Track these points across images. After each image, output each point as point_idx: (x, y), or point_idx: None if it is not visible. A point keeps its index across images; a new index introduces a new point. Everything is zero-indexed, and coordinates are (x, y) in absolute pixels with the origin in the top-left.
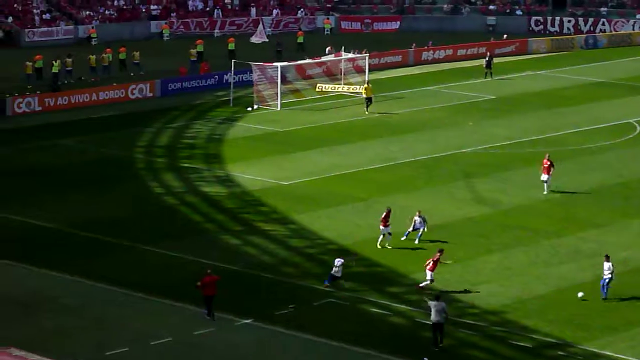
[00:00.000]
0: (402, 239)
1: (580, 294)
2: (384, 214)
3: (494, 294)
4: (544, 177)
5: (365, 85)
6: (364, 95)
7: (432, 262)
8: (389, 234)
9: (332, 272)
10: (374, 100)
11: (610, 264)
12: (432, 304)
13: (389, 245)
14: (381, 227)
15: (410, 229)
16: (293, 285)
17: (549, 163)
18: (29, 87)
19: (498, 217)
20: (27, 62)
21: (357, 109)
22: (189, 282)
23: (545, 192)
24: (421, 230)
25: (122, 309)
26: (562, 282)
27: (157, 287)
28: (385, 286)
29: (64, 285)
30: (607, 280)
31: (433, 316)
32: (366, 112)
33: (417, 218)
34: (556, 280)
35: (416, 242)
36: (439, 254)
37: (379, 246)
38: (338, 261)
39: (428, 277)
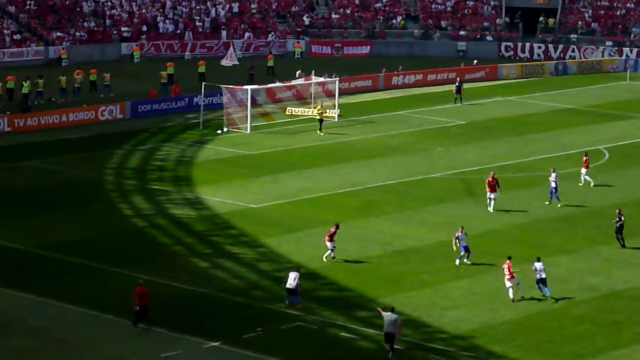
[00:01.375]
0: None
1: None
2: (332, 229)
3: (463, 319)
4: (490, 194)
5: (318, 106)
6: (317, 117)
7: (508, 272)
8: (332, 249)
9: (287, 286)
10: (324, 122)
11: (541, 264)
12: (385, 315)
13: (326, 259)
14: (327, 242)
15: (462, 251)
16: (261, 309)
17: (494, 181)
18: (15, 106)
19: (468, 242)
20: None
21: (326, 132)
22: (158, 304)
23: (490, 210)
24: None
25: (90, 330)
26: (530, 308)
27: (125, 309)
28: (354, 310)
29: (32, 306)
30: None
31: (386, 327)
32: (320, 133)
33: (459, 234)
34: (525, 306)
35: (458, 262)
36: (509, 261)
37: (324, 259)
38: (293, 274)
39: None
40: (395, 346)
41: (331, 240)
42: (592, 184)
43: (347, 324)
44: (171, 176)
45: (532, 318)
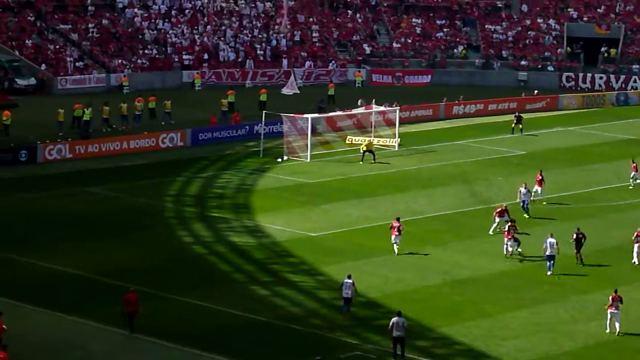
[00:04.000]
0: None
1: None
2: (397, 225)
3: (522, 349)
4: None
5: (367, 141)
6: (365, 149)
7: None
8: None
9: (343, 295)
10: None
11: (554, 240)
12: (393, 320)
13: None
14: (393, 236)
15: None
16: (321, 337)
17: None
18: (60, 134)
19: (528, 272)
20: (59, 110)
21: (387, 161)
22: (217, 331)
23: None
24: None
25: (148, 357)
26: (590, 339)
27: (184, 336)
28: (413, 339)
29: (92, 332)
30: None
31: (395, 332)
32: (360, 162)
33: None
34: (584, 337)
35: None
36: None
37: (395, 252)
38: (349, 282)
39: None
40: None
41: (399, 233)
42: (544, 203)
43: (406, 354)
44: (231, 204)
45: (591, 349)
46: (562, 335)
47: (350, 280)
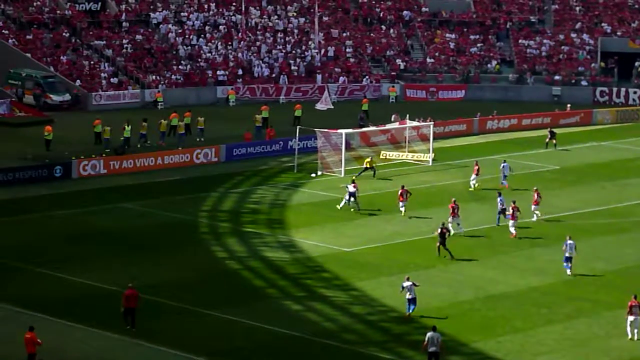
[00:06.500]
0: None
1: None
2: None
3: None
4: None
5: (368, 158)
6: (368, 165)
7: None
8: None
9: (407, 297)
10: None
11: (573, 242)
12: (428, 335)
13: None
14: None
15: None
16: (354, 352)
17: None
18: (107, 150)
19: (561, 287)
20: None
21: (420, 177)
22: (250, 347)
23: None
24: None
25: None
26: (623, 354)
27: (218, 352)
28: (446, 355)
29: (125, 348)
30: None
31: (430, 346)
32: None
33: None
34: (617, 352)
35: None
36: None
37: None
38: (407, 284)
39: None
40: None
41: (404, 200)
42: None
43: None
44: (265, 219)
45: None
46: (595, 351)
47: (410, 282)
